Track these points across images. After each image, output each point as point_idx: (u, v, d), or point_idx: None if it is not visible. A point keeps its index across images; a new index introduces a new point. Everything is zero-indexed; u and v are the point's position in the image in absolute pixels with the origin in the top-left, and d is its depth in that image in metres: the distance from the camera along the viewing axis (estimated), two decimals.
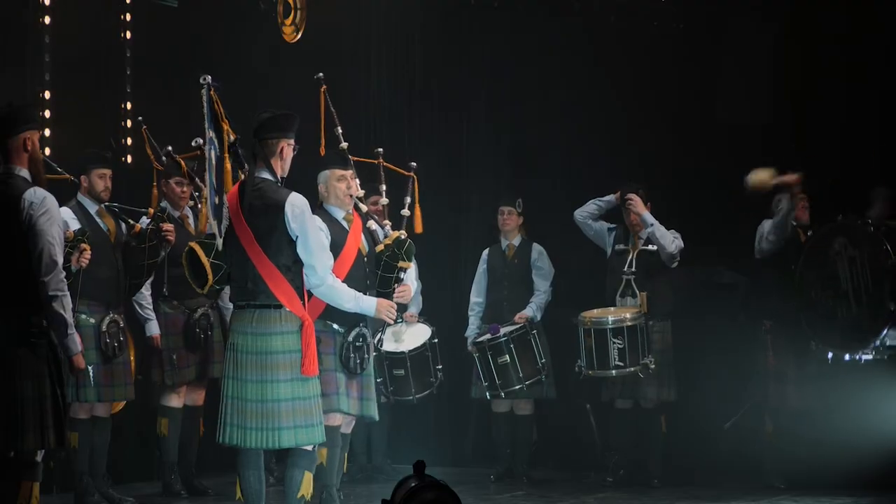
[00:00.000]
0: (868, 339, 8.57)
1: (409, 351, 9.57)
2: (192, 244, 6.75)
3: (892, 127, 9.76)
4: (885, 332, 8.47)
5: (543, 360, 9.69)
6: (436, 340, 9.73)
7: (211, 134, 6.50)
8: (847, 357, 8.77)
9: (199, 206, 6.80)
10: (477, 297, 10.12)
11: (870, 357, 8.67)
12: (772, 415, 9.46)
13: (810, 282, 8.98)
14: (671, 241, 9.45)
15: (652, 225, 9.45)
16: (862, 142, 9.88)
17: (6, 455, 6.23)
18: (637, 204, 9.51)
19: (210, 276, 6.71)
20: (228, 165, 6.55)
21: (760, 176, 9.17)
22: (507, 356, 9.63)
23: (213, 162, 6.55)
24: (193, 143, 7.27)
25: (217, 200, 6.57)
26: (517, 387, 9.63)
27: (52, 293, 6.17)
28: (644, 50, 10.76)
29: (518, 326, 9.72)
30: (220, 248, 6.67)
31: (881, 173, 9.61)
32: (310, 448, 6.80)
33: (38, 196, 6.24)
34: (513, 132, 11.16)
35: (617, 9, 10.90)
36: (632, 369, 9.30)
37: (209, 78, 6.48)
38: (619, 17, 10.90)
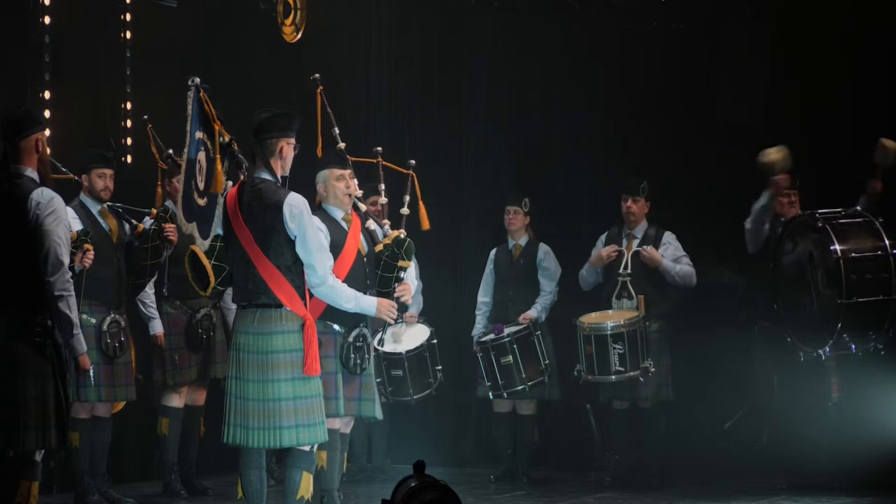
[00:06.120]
0: (824, 338, 8.55)
1: (407, 352, 9.52)
2: (193, 247, 6.74)
3: (892, 127, 9.76)
4: (838, 327, 8.41)
5: (547, 362, 9.67)
6: (434, 341, 9.69)
7: (200, 135, 6.47)
8: (816, 353, 8.71)
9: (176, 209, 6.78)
10: (484, 297, 10.11)
11: (828, 352, 8.64)
12: (765, 415, 9.46)
13: (783, 277, 8.94)
14: (691, 274, 9.49)
15: (673, 269, 9.47)
16: (861, 142, 9.87)
17: (6, 454, 6.22)
18: (653, 256, 9.49)
19: (212, 278, 6.72)
20: (220, 166, 6.54)
21: (773, 156, 9.12)
22: (511, 357, 9.61)
23: (203, 164, 6.52)
24: None
25: (204, 202, 6.55)
26: (520, 387, 9.62)
27: (58, 293, 6.18)
28: (644, 50, 10.77)
29: (522, 327, 9.70)
30: (205, 248, 6.65)
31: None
32: (308, 448, 6.79)
33: (45, 196, 6.24)
34: (513, 132, 11.15)
35: (617, 9, 10.90)
36: (632, 374, 9.28)
37: (197, 80, 6.46)
38: (619, 17, 10.90)
